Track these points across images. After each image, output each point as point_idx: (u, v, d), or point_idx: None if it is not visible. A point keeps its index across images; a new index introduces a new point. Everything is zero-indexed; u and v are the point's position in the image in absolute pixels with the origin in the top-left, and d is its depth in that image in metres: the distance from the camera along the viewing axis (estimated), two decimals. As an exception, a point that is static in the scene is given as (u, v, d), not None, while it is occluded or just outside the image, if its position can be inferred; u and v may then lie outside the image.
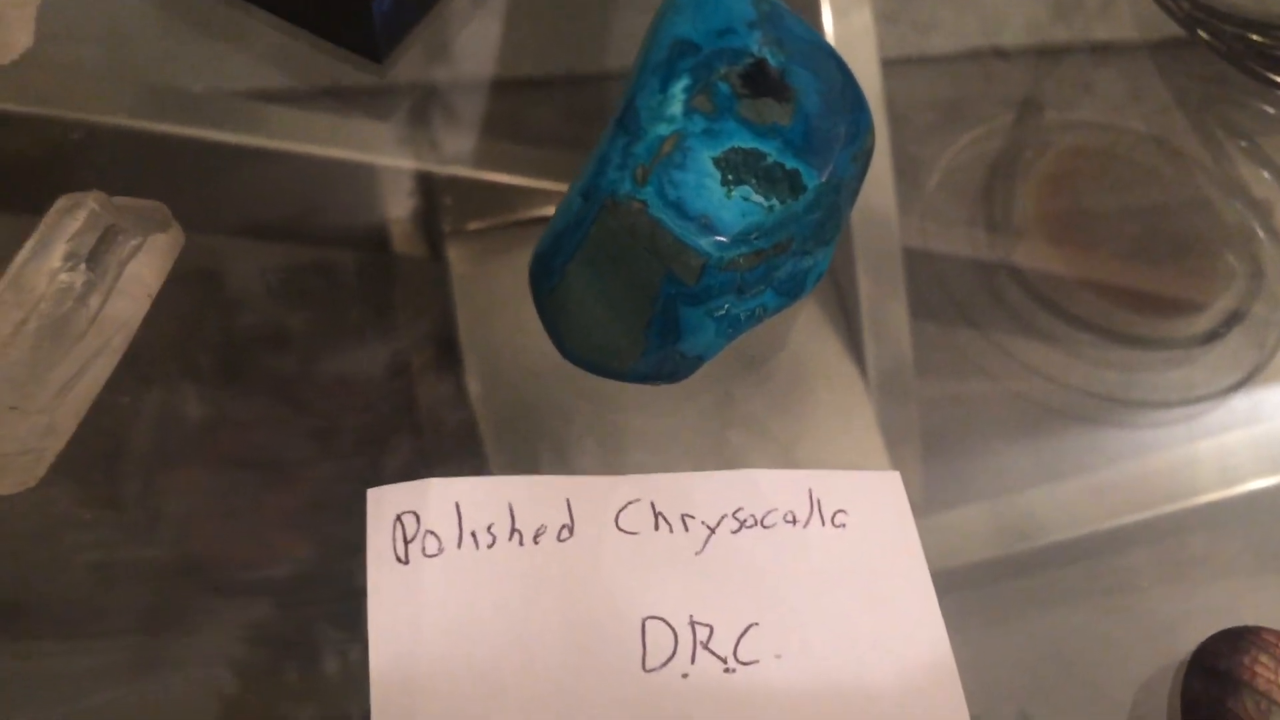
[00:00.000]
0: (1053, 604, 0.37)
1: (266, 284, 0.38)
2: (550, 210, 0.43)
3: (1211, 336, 0.43)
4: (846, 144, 0.33)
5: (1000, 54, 0.52)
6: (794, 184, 0.32)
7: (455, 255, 0.41)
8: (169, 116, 0.41)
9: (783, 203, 0.32)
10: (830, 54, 0.35)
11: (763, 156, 0.32)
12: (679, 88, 0.33)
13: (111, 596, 0.32)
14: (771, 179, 0.32)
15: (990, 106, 0.50)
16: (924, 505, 0.37)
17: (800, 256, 0.33)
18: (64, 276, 0.29)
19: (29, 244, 0.30)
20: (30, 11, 0.35)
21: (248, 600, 0.33)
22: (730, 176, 0.32)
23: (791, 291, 0.34)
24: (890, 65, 0.51)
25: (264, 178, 0.41)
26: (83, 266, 0.29)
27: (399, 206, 0.41)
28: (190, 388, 0.35)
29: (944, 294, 0.43)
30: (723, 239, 0.31)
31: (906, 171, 0.48)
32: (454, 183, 0.43)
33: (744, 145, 0.32)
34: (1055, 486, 0.39)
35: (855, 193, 0.35)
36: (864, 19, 0.51)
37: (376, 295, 0.39)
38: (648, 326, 0.32)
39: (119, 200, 0.32)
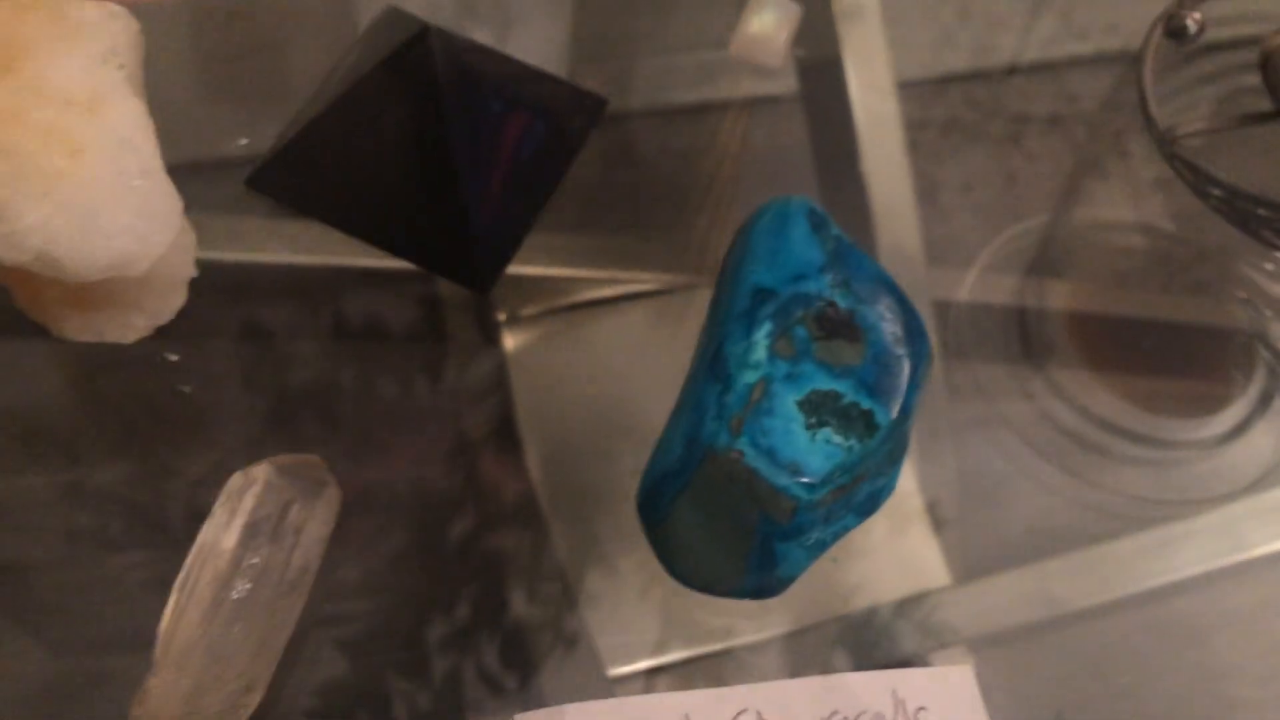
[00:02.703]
0: (1087, 619, 0.41)
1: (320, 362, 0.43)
2: (598, 293, 0.47)
3: (1237, 431, 0.47)
4: (911, 377, 0.38)
5: (1016, 72, 0.56)
6: (868, 422, 0.36)
7: (511, 342, 0.45)
8: (238, 244, 0.45)
9: (860, 441, 0.36)
10: (891, 287, 0.39)
11: (840, 396, 0.37)
12: (762, 334, 0.37)
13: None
14: (848, 418, 0.36)
15: (1006, 124, 0.54)
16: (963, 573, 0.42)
17: (875, 479, 0.38)
18: (252, 557, 0.34)
19: (214, 524, 0.34)
20: (186, 278, 0.40)
21: (319, 655, 0.37)
22: (813, 420, 0.36)
23: (868, 510, 0.38)
24: (935, 84, 0.55)
25: (328, 288, 0.45)
26: (265, 542, 0.34)
27: (455, 299, 0.45)
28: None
29: (980, 395, 0.47)
30: (811, 481, 0.35)
31: (926, 193, 0.52)
32: (506, 276, 0.46)
33: (823, 387, 0.37)
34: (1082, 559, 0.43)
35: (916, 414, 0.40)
36: (877, 43, 0.55)
37: (437, 383, 0.43)
38: (747, 558, 0.36)
39: (281, 460, 0.37)
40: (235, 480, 0.35)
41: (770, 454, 0.35)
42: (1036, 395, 0.47)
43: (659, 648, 0.40)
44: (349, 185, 0.42)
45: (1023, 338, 0.49)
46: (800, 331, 0.37)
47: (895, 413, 0.37)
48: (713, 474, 0.36)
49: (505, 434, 0.43)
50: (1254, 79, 0.51)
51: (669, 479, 0.37)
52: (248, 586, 0.33)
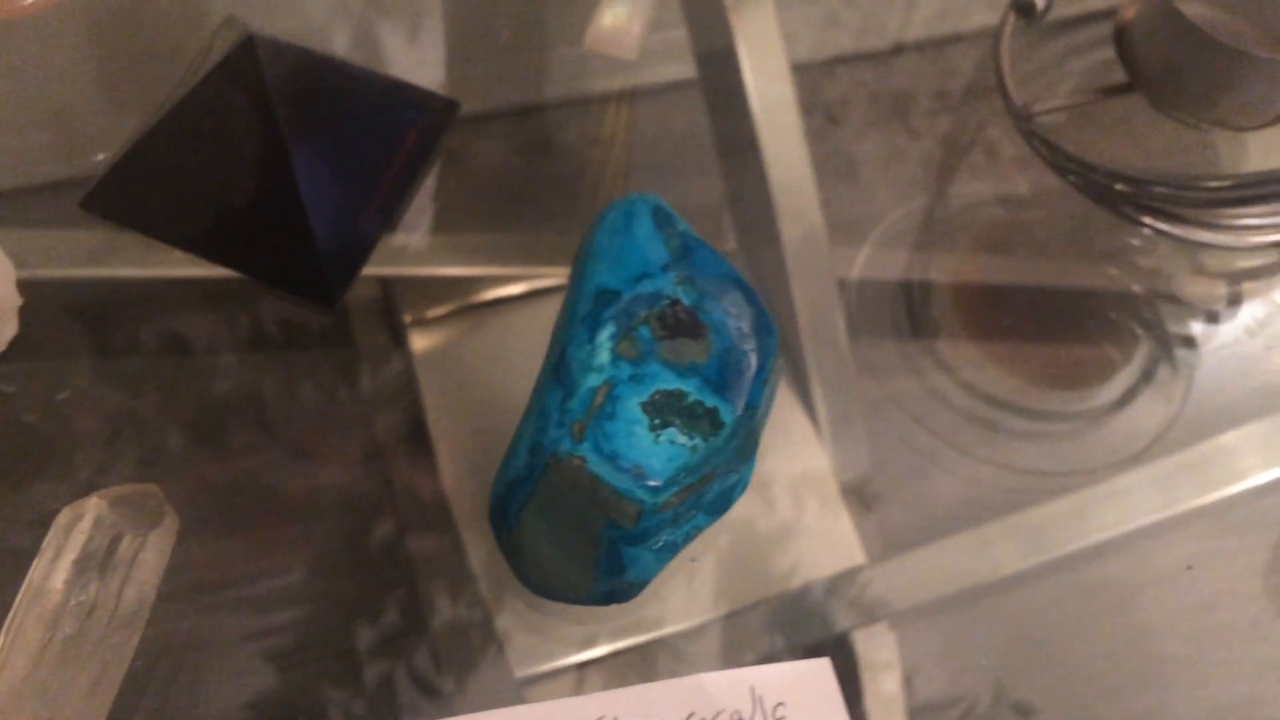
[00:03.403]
0: (1017, 586, 0.42)
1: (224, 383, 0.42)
2: (503, 291, 0.47)
3: (1123, 401, 0.48)
4: (757, 372, 0.38)
5: (921, 48, 0.57)
6: (713, 420, 0.36)
7: (419, 344, 0.45)
8: (125, 261, 0.44)
9: (705, 440, 0.36)
10: (738, 282, 0.39)
11: (684, 395, 0.36)
12: (605, 335, 0.37)
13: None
14: (694, 416, 0.36)
15: (926, 100, 0.55)
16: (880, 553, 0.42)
17: (725, 477, 0.37)
18: (79, 594, 0.33)
19: (41, 563, 0.33)
20: (13, 308, 0.39)
21: (252, 668, 0.37)
22: (657, 421, 0.36)
23: (720, 509, 0.38)
24: (823, 66, 0.56)
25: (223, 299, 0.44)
26: (94, 578, 0.33)
27: (356, 302, 0.45)
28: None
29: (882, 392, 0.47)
30: (655, 484, 0.35)
31: (844, 173, 0.52)
32: (409, 279, 0.46)
33: (667, 387, 0.36)
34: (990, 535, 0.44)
35: (769, 409, 0.39)
36: (770, 29, 0.55)
37: (348, 389, 0.43)
38: (595, 565, 0.36)
39: (115, 492, 0.36)
40: (63, 516, 0.34)
41: (613, 458, 0.35)
42: (925, 372, 0.47)
43: (587, 642, 0.40)
44: (185, 202, 0.41)
45: (910, 316, 0.49)
46: (644, 332, 0.37)
47: (740, 409, 0.37)
48: (557, 481, 0.35)
49: (417, 437, 0.43)
50: (1112, 53, 0.51)
51: (515, 488, 0.36)
52: (77, 625, 0.33)
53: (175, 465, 0.41)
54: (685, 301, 0.38)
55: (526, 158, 0.50)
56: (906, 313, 0.49)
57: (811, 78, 0.55)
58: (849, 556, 0.42)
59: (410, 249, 0.47)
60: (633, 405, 0.36)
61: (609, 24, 0.48)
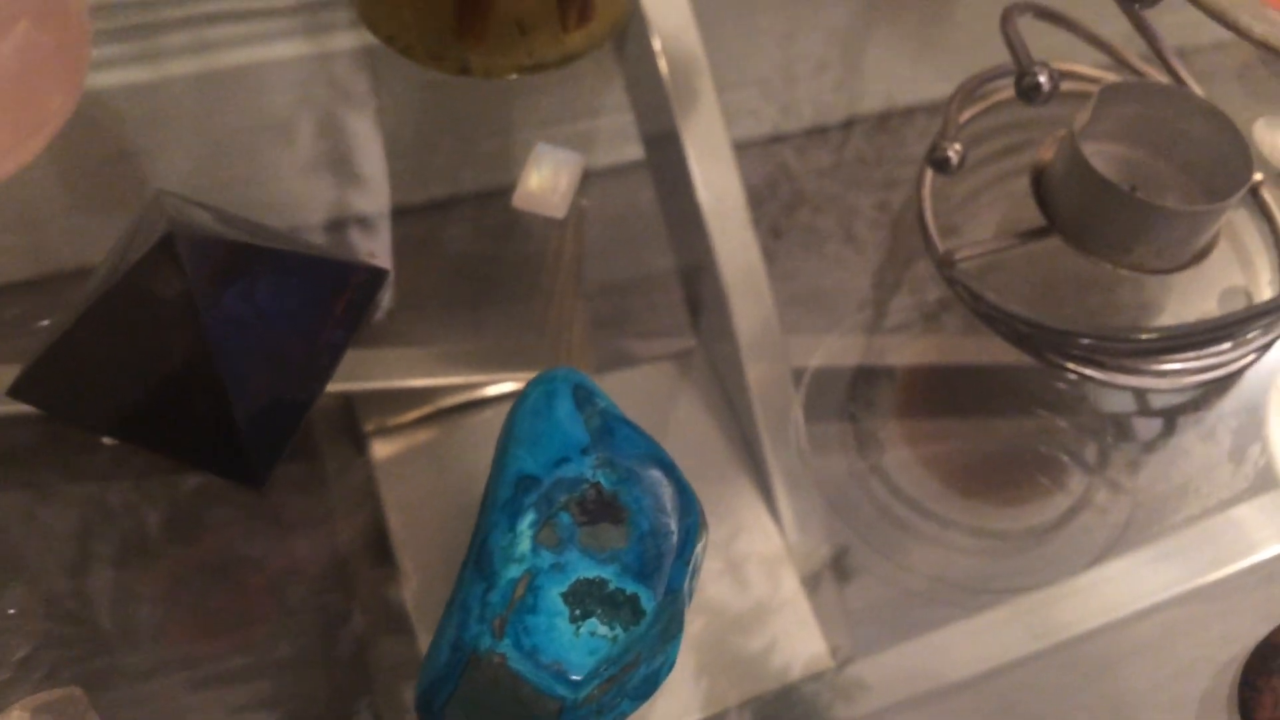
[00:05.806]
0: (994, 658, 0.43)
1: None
2: (466, 396, 0.47)
3: (1061, 522, 0.48)
4: (678, 554, 0.38)
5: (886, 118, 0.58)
6: (634, 608, 0.36)
7: (381, 452, 0.45)
8: None
9: (626, 629, 0.36)
10: (659, 460, 0.39)
11: (605, 584, 0.36)
12: (526, 524, 0.37)
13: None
14: (615, 604, 0.36)
15: (892, 168, 0.56)
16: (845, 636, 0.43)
17: (650, 661, 0.37)
18: (-4, 819, 0.33)
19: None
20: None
21: None
22: (578, 611, 0.36)
23: (646, 692, 0.38)
24: (783, 140, 0.57)
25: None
26: (12, 801, 0.33)
27: (321, 413, 0.45)
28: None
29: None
30: (576, 678, 0.35)
31: (811, 245, 0.53)
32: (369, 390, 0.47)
33: (588, 575, 0.36)
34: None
35: (693, 590, 0.40)
36: (711, 110, 0.56)
37: (309, 500, 0.44)
38: (521, 761, 0.36)
39: (38, 700, 0.36)
40: (-15, 733, 0.34)
41: (533, 654, 0.35)
42: (869, 474, 0.48)
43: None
44: (109, 392, 0.41)
45: (857, 435, 0.50)
46: (564, 518, 0.37)
47: (660, 595, 0.37)
48: (478, 679, 0.35)
49: (380, 546, 0.43)
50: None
51: (439, 684, 0.36)
52: None
53: (146, 562, 0.42)
54: (605, 485, 0.38)
55: (490, 241, 0.51)
56: (854, 431, 0.50)
57: (772, 153, 0.56)
58: (813, 647, 0.43)
59: (371, 362, 0.47)
60: (553, 596, 0.36)
61: (535, 186, 0.49)
